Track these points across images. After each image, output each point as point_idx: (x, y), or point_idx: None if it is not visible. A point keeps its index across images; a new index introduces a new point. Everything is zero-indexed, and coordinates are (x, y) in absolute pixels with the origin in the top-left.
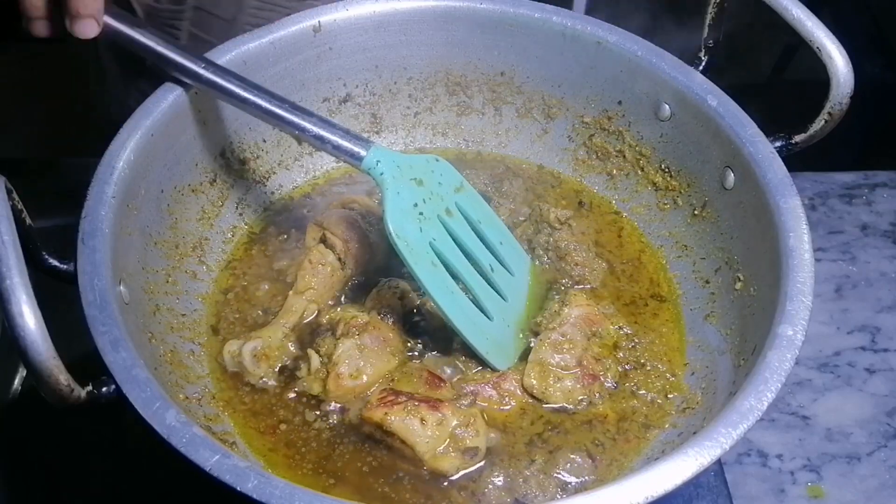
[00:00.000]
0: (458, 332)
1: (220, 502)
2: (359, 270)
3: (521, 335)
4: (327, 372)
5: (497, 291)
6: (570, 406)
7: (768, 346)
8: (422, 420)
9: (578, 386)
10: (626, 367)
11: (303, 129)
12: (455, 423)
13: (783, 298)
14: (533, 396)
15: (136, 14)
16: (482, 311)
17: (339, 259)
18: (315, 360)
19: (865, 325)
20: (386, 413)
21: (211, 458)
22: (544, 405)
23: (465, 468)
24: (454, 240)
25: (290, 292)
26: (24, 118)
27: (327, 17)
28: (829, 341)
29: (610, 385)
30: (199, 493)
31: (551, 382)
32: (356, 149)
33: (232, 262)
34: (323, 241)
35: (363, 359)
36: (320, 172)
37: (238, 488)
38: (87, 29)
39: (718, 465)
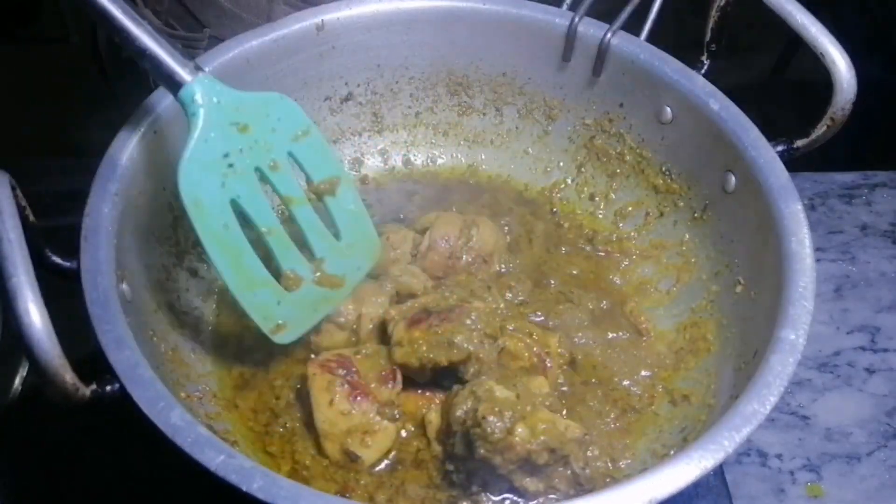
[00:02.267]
0: (234, 296)
1: (222, 502)
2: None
3: (317, 308)
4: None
5: (312, 254)
6: None
7: (770, 350)
8: (331, 401)
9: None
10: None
11: (121, 31)
12: (357, 423)
13: (784, 303)
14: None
15: None
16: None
17: (413, 254)
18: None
19: (865, 325)
20: (314, 374)
21: (216, 458)
22: None
23: (344, 464)
24: (277, 186)
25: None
26: (24, 118)
27: (330, 15)
28: (828, 341)
29: None
30: (200, 493)
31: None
32: (179, 71)
33: None
34: (423, 231)
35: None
36: None
37: (243, 488)
38: None
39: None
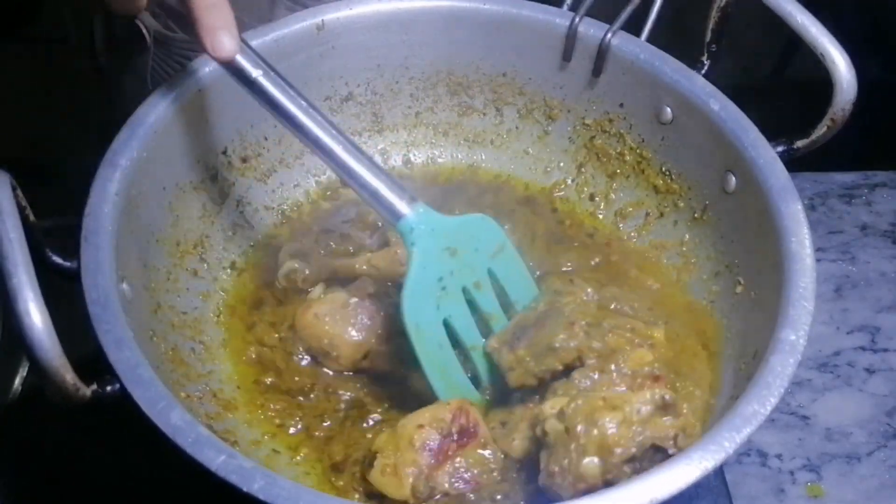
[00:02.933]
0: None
1: (222, 502)
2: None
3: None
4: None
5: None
6: None
7: (770, 351)
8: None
9: None
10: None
11: (344, 167)
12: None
13: (785, 303)
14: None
15: (147, 40)
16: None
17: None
18: (318, 290)
19: (865, 325)
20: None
21: (217, 458)
22: None
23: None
24: (472, 305)
25: (368, 254)
26: (24, 118)
27: (331, 15)
28: (828, 341)
29: None
30: (200, 493)
31: None
32: (397, 204)
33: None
34: None
35: (338, 312)
36: (324, 177)
37: (244, 489)
38: (226, 45)
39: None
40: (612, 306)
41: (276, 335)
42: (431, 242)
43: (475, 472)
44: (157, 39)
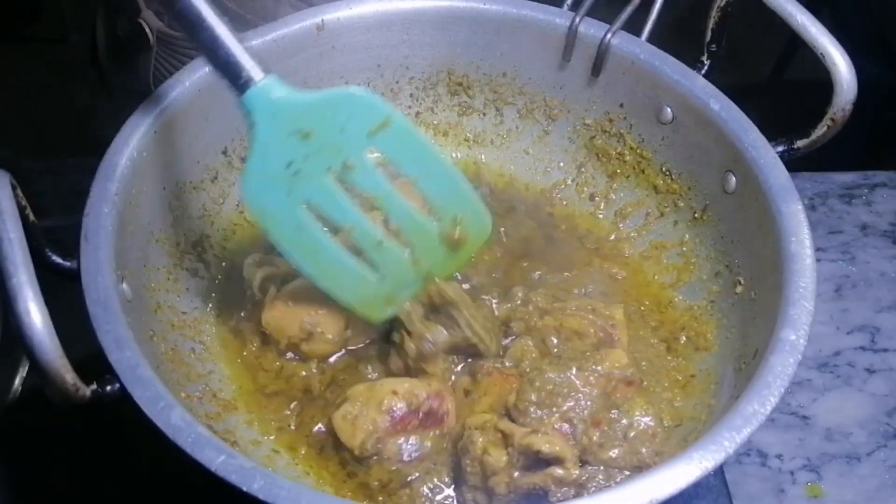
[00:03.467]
0: (328, 293)
1: (222, 502)
2: None
3: (411, 288)
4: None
5: (406, 241)
6: None
7: (770, 351)
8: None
9: None
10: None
11: (197, 23)
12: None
13: (785, 303)
14: None
15: (149, 39)
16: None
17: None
18: (273, 289)
19: (865, 325)
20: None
21: (217, 458)
22: None
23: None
24: (356, 185)
25: None
26: (24, 118)
27: (331, 15)
28: (828, 341)
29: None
30: (200, 493)
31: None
32: (244, 71)
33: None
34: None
35: (306, 294)
36: None
37: (244, 489)
38: None
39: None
40: (575, 292)
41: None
42: (274, 125)
43: (423, 453)
44: (161, 38)
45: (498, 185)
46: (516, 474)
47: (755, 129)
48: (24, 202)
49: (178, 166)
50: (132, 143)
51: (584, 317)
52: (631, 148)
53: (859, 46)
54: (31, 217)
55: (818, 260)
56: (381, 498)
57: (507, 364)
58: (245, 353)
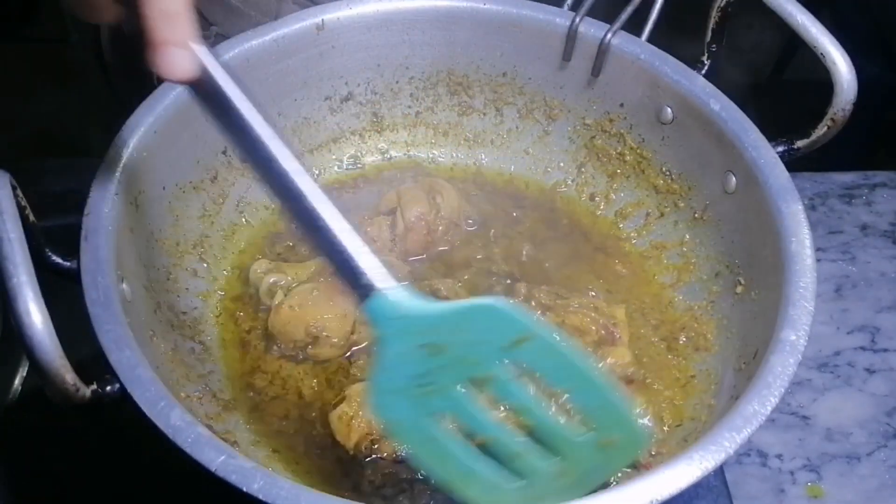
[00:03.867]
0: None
1: (222, 502)
2: (402, 257)
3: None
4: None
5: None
6: None
7: (770, 351)
8: None
9: None
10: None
11: (319, 220)
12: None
13: (785, 303)
14: None
15: None
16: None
17: (393, 240)
18: (279, 295)
19: (865, 325)
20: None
21: (217, 459)
22: None
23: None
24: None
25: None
26: (24, 118)
27: (331, 15)
28: (828, 341)
29: None
30: (200, 493)
31: None
32: (370, 277)
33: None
34: (391, 213)
35: (311, 298)
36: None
37: (244, 489)
38: (177, 64)
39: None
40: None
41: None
42: (402, 338)
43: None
44: None
45: (498, 185)
46: None
47: (755, 128)
48: (24, 202)
49: (178, 166)
50: (132, 143)
51: (585, 314)
52: (631, 148)
53: (859, 46)
54: (31, 217)
55: (818, 260)
56: (375, 500)
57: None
58: (248, 357)
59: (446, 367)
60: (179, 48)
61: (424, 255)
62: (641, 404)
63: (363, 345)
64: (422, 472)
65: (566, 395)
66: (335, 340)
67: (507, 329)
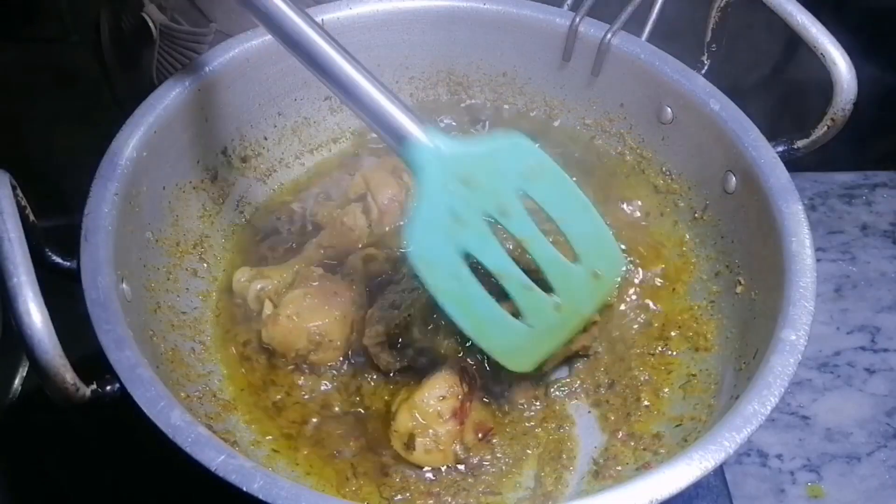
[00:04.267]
0: (474, 339)
1: (222, 502)
2: (383, 241)
3: (554, 335)
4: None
5: (548, 285)
6: None
7: (771, 351)
8: (442, 397)
9: None
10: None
11: (344, 79)
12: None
13: (785, 303)
14: None
15: (153, 34)
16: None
17: (369, 226)
18: (268, 306)
19: (865, 325)
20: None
21: (216, 458)
22: None
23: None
24: (509, 229)
25: (313, 241)
26: (24, 118)
27: (330, 15)
28: (828, 341)
29: None
30: (200, 493)
31: None
32: (401, 126)
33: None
34: (362, 199)
35: (306, 306)
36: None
37: (244, 489)
38: None
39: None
40: None
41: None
42: (440, 172)
43: (484, 419)
44: (163, 33)
45: None
46: (570, 345)
47: (755, 128)
48: (24, 202)
49: (179, 166)
50: (132, 143)
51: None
52: (631, 148)
53: (859, 46)
54: (31, 217)
55: (818, 260)
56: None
57: None
58: (255, 373)
59: (475, 199)
60: None
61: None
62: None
63: (365, 343)
64: (446, 313)
65: (564, 223)
66: (338, 343)
67: (526, 158)
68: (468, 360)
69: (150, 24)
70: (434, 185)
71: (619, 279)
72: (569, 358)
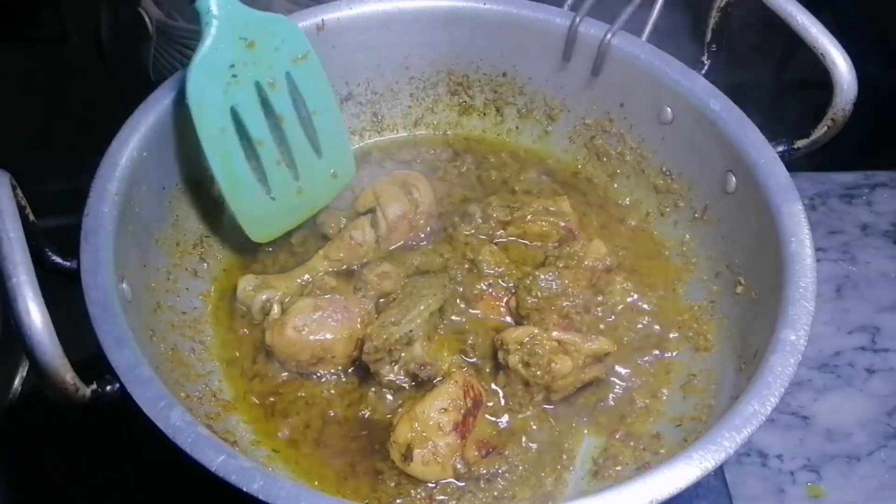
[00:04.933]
0: (223, 196)
1: (222, 502)
2: (391, 255)
3: (293, 215)
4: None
5: (295, 168)
6: None
7: (771, 351)
8: (444, 409)
9: None
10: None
11: None
12: (439, 448)
13: (785, 303)
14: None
15: (149, 30)
16: (267, 183)
17: (377, 241)
18: (276, 310)
19: (865, 325)
20: (456, 381)
21: (216, 459)
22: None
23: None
24: (266, 108)
25: (320, 251)
26: (24, 118)
27: (331, 15)
28: (829, 341)
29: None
30: (200, 493)
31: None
32: None
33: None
34: (371, 211)
35: (314, 319)
36: None
37: (244, 489)
38: None
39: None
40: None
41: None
42: (228, 28)
43: (489, 437)
44: (160, 29)
45: None
46: (581, 374)
47: (755, 129)
48: (24, 202)
49: (179, 166)
50: (132, 143)
51: (543, 219)
52: (631, 148)
53: (859, 46)
54: (31, 217)
55: (818, 260)
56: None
57: (484, 283)
58: (259, 381)
59: (252, 63)
60: None
61: (402, 243)
62: (620, 283)
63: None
64: (205, 164)
65: (317, 117)
66: (340, 360)
67: (298, 44)
68: (474, 378)
69: (147, 20)
70: (222, 37)
71: (350, 179)
72: (580, 388)
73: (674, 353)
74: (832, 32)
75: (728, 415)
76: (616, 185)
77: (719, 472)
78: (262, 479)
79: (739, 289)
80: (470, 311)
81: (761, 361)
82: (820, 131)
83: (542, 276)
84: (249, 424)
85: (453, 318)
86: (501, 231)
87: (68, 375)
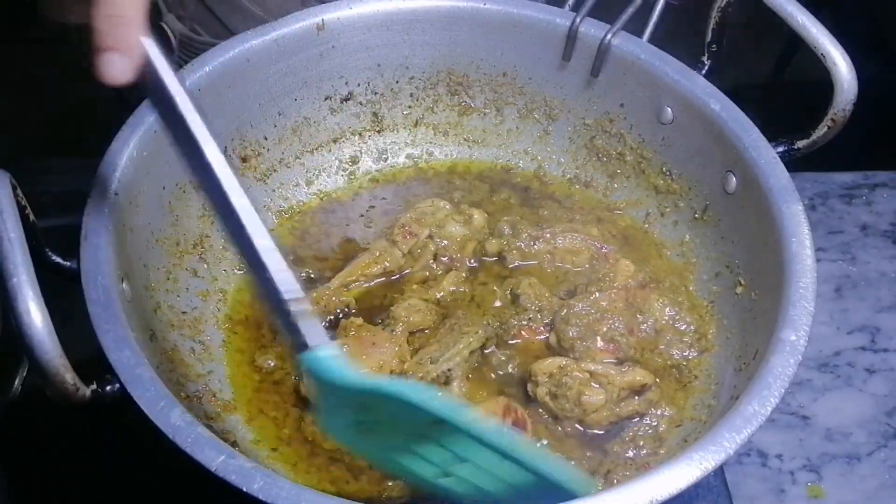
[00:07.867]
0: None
1: (222, 502)
2: (429, 283)
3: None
4: None
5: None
6: None
7: (771, 351)
8: None
9: None
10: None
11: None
12: None
13: (785, 303)
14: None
15: (172, 44)
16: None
17: (425, 281)
18: None
19: (865, 325)
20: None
21: (216, 459)
22: None
23: None
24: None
25: (343, 272)
26: (24, 118)
27: (331, 14)
28: (828, 341)
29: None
30: (200, 493)
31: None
32: (309, 334)
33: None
34: (413, 236)
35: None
36: (327, 185)
37: (244, 489)
38: (113, 70)
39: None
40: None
41: (275, 359)
42: (335, 391)
43: None
44: (183, 43)
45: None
46: (617, 408)
47: (755, 129)
48: (24, 202)
49: (178, 166)
50: (132, 143)
51: (573, 237)
52: (631, 148)
53: (859, 46)
54: (31, 217)
55: (818, 260)
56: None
57: (523, 318)
58: (248, 357)
59: (380, 423)
60: (120, 54)
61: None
62: (657, 300)
63: None
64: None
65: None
66: None
67: (421, 413)
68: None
69: (170, 34)
70: (332, 398)
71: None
72: (616, 422)
73: (674, 353)
74: (832, 32)
75: (728, 415)
76: (616, 186)
77: (719, 472)
78: (262, 479)
79: (739, 289)
80: (509, 346)
81: (761, 361)
82: (820, 131)
83: (578, 305)
84: (249, 424)
85: (493, 355)
86: (530, 245)
87: (68, 375)
